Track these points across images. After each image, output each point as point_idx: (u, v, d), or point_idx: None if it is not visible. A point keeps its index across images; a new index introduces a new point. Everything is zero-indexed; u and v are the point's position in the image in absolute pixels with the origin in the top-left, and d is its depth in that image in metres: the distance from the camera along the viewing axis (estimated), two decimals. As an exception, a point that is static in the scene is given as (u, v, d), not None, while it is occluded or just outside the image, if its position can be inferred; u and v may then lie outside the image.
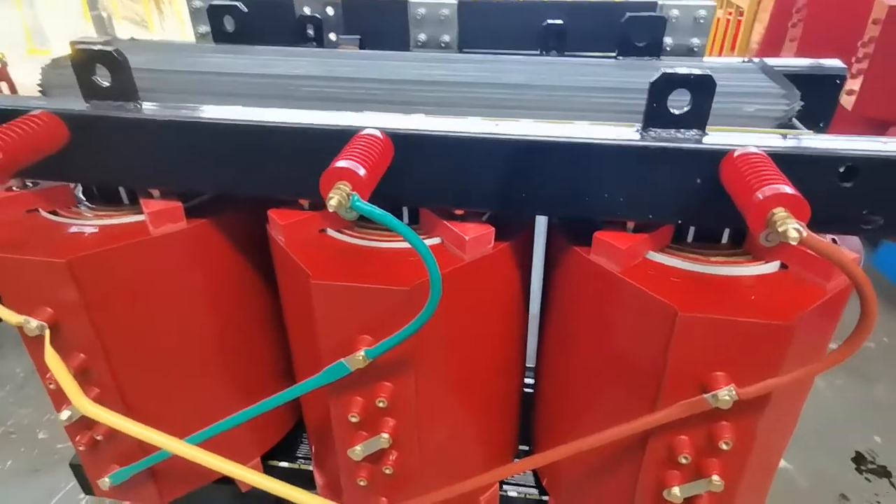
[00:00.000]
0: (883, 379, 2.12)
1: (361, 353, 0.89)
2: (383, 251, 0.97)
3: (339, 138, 0.83)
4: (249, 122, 0.88)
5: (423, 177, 0.90)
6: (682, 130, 0.83)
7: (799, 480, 1.69)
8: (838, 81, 1.12)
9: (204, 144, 0.92)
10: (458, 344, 1.01)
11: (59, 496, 1.77)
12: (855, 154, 0.76)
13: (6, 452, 1.89)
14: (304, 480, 1.39)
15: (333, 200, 0.72)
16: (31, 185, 1.08)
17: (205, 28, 1.41)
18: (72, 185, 1.11)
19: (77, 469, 1.45)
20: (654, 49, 1.27)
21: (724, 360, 0.82)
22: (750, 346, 0.80)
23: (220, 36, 1.34)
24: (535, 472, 1.41)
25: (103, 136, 0.94)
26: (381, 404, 0.96)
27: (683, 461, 0.90)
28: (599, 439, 0.94)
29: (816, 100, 1.09)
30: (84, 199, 1.10)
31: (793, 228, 0.64)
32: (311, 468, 1.42)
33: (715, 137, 0.81)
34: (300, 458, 1.46)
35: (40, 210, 1.06)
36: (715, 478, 0.90)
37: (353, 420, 0.98)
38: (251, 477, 1.03)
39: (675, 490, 0.93)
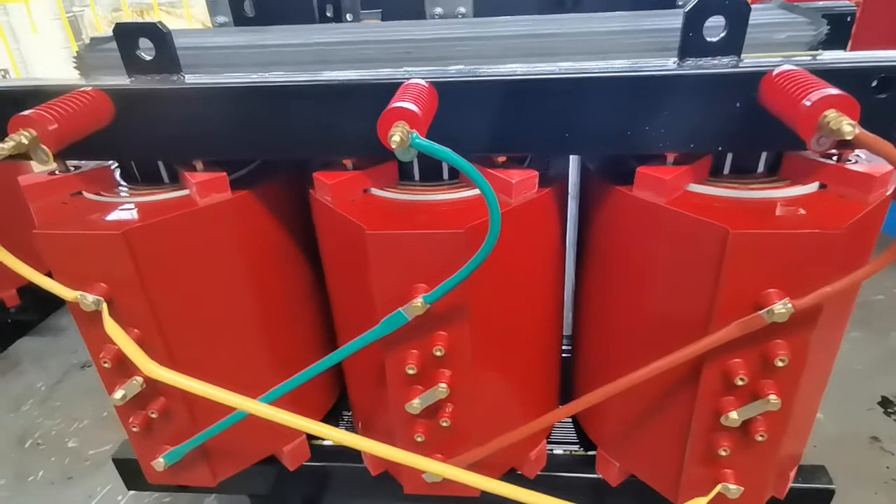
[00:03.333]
0: (896, 330, 2.12)
1: (419, 299, 0.91)
2: (429, 204, 0.99)
3: (386, 92, 0.85)
4: (298, 83, 0.90)
5: (467, 125, 0.92)
6: (718, 58, 0.86)
7: (828, 427, 1.72)
8: (849, 19, 1.16)
9: (252, 110, 0.94)
10: (507, 290, 1.03)
11: (95, 500, 1.76)
12: (889, 65, 0.80)
13: (36, 463, 1.88)
14: (350, 457, 1.40)
15: (396, 137, 0.74)
16: (72, 169, 1.10)
17: (223, 18, 1.43)
18: (112, 166, 1.12)
19: (121, 464, 1.45)
20: (669, 4, 1.31)
21: (776, 275, 0.85)
22: (802, 259, 0.83)
23: (240, 21, 1.36)
24: (577, 429, 1.43)
25: (149, 109, 0.95)
26: (438, 353, 0.98)
27: (740, 383, 0.92)
28: (652, 370, 0.96)
29: (828, 39, 1.13)
30: (123, 181, 1.12)
31: (847, 124, 0.67)
32: (355, 443, 1.42)
33: (751, 62, 0.84)
34: (343, 435, 1.47)
35: (83, 192, 1.08)
36: (772, 397, 0.92)
37: (411, 372, 0.99)
38: (333, 434, 1.01)
39: (733, 414, 0.95)
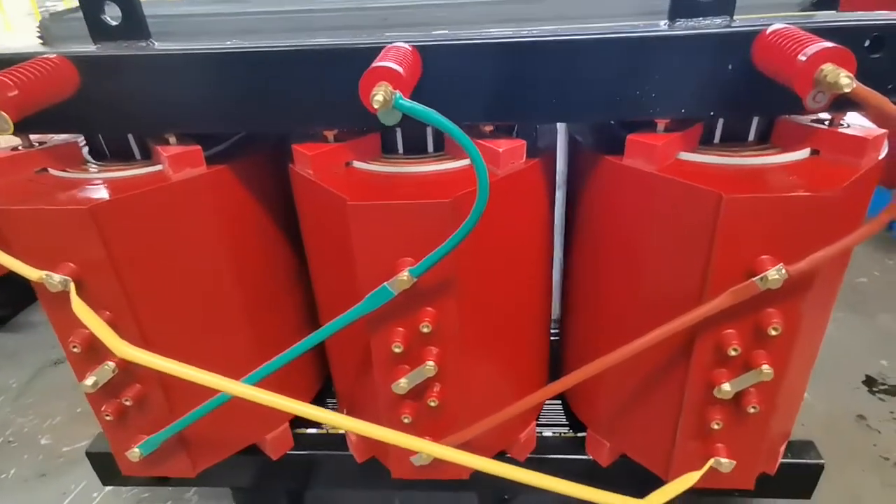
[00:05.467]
0: (880, 309, 2.17)
1: (405, 272, 0.87)
2: (413, 175, 0.96)
3: (368, 57, 0.81)
4: (275, 48, 0.86)
5: (451, 93, 0.89)
6: (710, 18, 0.84)
7: (815, 405, 1.73)
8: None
9: (227, 78, 0.89)
10: (494, 264, 1.00)
11: (70, 498, 1.70)
12: (882, 24, 0.78)
13: (8, 461, 1.81)
14: (335, 445, 1.36)
15: (378, 96, 0.70)
16: (37, 144, 1.04)
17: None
18: (80, 142, 1.07)
19: (95, 458, 1.40)
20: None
21: (769, 241, 0.83)
22: (795, 223, 0.81)
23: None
24: (566, 412, 1.41)
25: (116, 77, 0.90)
26: (425, 329, 0.94)
27: (733, 353, 0.90)
28: (645, 342, 0.93)
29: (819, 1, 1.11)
30: (91, 158, 1.07)
31: (844, 76, 0.65)
32: (340, 432, 1.39)
33: (744, 22, 0.82)
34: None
35: (49, 169, 1.02)
36: (765, 367, 0.90)
37: (397, 351, 0.96)
38: (321, 415, 0.96)
39: (726, 386, 0.94)
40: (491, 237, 0.95)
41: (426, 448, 1.00)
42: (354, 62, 0.84)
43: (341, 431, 1.39)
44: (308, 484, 1.49)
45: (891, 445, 1.66)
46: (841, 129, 0.89)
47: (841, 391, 1.84)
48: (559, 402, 1.44)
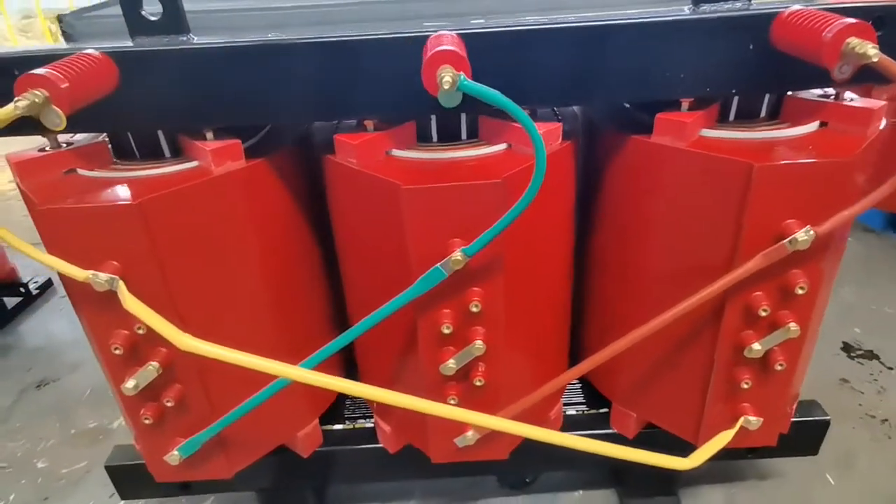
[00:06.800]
0: (842, 283, 2.32)
1: (458, 252, 0.90)
2: (453, 161, 0.99)
3: (413, 46, 0.84)
4: (323, 40, 0.87)
5: (488, 79, 0.92)
6: (731, 2, 0.91)
7: (803, 374, 1.83)
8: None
9: (271, 70, 0.90)
10: (533, 243, 1.04)
11: (76, 520, 1.63)
12: (884, 6, 0.87)
13: (7, 487, 1.72)
14: (364, 439, 1.37)
15: (447, 77, 0.73)
16: (64, 145, 1.02)
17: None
18: (107, 142, 1.06)
19: (115, 471, 1.36)
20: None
21: (796, 206, 0.90)
22: (819, 188, 0.89)
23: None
24: (585, 390, 1.46)
25: (158, 72, 0.90)
26: (474, 308, 0.97)
27: (763, 314, 0.97)
28: (678, 312, 0.99)
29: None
30: (118, 159, 1.05)
31: (871, 48, 0.72)
32: (368, 425, 1.40)
33: (761, 5, 0.90)
34: (349, 418, 1.43)
35: (78, 170, 1.01)
36: (792, 325, 0.98)
37: (446, 332, 0.99)
38: (383, 395, 0.97)
39: (756, 345, 1.00)
40: (531, 215, 0.98)
41: (493, 423, 1.02)
42: (402, 51, 0.87)
43: (369, 425, 1.39)
44: (336, 480, 1.49)
45: (875, 404, 1.79)
46: (846, 103, 0.98)
47: (822, 358, 1.97)
48: (578, 382, 1.50)
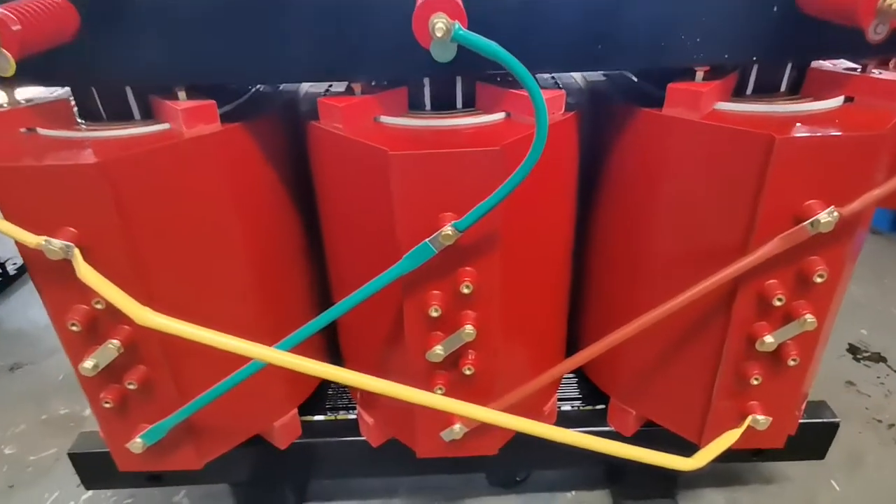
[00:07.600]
0: (851, 284, 2.26)
1: (448, 227, 0.83)
2: (447, 129, 0.91)
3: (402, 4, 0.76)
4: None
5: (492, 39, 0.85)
6: (754, -40, 0.83)
7: (807, 375, 1.76)
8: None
9: (249, 22, 0.82)
10: (532, 219, 0.97)
11: (43, 509, 1.55)
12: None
13: (-29, 473, 1.64)
14: (345, 431, 1.29)
15: (440, 24, 0.66)
16: (23, 102, 0.94)
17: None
18: (70, 101, 0.97)
19: (78, 459, 1.27)
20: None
21: (819, 185, 0.83)
22: (844, 165, 0.81)
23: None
24: (581, 386, 1.39)
25: (124, 18, 0.82)
26: (465, 290, 0.89)
27: (778, 303, 0.90)
28: (687, 298, 0.92)
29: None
30: (82, 119, 0.97)
31: (913, 2, 0.65)
32: (350, 417, 1.32)
33: (787, -35, 0.82)
34: (330, 409, 1.35)
35: (38, 129, 0.92)
36: (808, 316, 0.90)
37: (434, 315, 0.91)
38: (370, 382, 0.89)
39: (768, 338, 0.93)
40: (530, 190, 0.90)
41: (482, 415, 0.94)
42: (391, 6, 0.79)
43: (351, 417, 1.32)
44: (317, 474, 1.42)
45: (882, 408, 1.72)
46: (874, 75, 0.90)
47: (828, 359, 1.89)
48: (574, 376, 1.42)
